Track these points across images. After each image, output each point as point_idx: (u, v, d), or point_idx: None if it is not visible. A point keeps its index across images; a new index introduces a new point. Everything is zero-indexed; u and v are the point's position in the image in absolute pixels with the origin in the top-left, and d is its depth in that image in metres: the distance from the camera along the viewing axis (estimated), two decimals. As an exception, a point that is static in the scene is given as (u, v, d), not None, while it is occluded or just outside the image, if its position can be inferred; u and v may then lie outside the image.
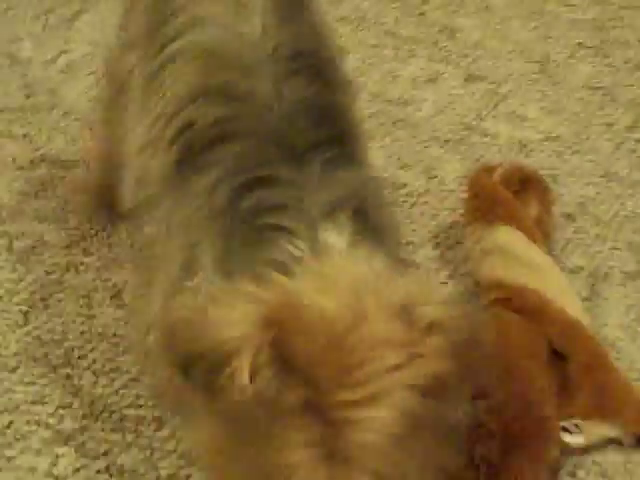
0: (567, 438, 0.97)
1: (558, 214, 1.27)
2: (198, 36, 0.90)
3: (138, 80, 0.97)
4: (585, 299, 1.16)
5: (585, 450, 1.00)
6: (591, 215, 1.30)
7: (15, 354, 1.07)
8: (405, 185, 1.32)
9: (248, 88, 0.84)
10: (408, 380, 0.64)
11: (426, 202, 1.30)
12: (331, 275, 0.70)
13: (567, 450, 0.98)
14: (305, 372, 0.64)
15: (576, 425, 0.99)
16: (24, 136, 1.36)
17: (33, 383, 1.04)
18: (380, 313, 0.66)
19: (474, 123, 1.46)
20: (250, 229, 0.78)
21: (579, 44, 1.63)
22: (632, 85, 1.54)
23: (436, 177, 1.34)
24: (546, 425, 0.96)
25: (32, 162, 1.31)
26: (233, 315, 0.65)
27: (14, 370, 1.05)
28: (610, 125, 1.46)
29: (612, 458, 1.00)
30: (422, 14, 1.70)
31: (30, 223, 1.22)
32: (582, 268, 1.21)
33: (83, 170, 1.26)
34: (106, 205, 1.19)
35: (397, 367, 0.64)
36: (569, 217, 1.29)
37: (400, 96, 1.50)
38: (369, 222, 0.79)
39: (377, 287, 0.68)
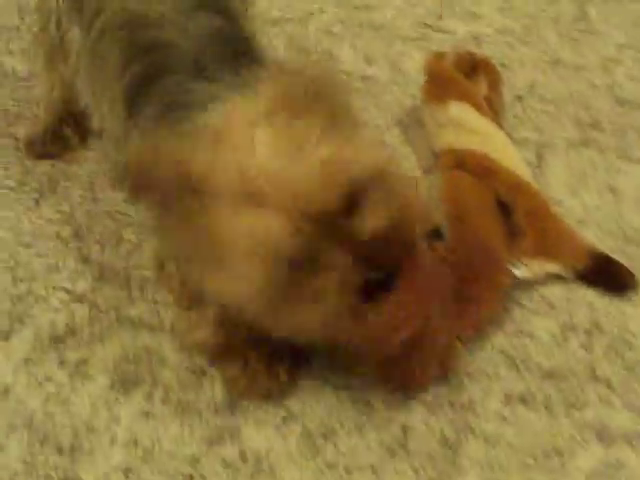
0: (516, 272, 1.13)
1: (509, 96, 1.41)
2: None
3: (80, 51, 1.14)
4: (532, 165, 1.31)
5: (531, 284, 1.15)
6: (538, 95, 1.44)
7: (29, 233, 1.21)
8: (372, 77, 1.46)
9: (169, 37, 1.01)
10: None
11: (391, 91, 1.44)
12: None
13: (516, 284, 1.14)
14: None
15: (523, 263, 1.14)
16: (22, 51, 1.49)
17: (47, 255, 1.18)
18: None
19: (433, 22, 1.59)
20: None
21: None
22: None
23: (400, 69, 1.48)
24: (498, 259, 1.11)
25: (31, 73, 1.44)
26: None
27: (29, 246, 1.20)
28: (556, 19, 1.60)
29: (555, 290, 1.16)
30: None
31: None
32: (529, 140, 1.35)
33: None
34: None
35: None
36: (519, 98, 1.43)
37: (366, 2, 1.63)
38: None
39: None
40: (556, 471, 0.99)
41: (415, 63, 1.49)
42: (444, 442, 1.01)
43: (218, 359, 1.02)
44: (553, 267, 1.15)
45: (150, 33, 1.02)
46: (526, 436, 1.02)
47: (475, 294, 1.08)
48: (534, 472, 0.99)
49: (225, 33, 1.03)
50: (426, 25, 1.58)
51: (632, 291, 1.15)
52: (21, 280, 1.16)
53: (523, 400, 1.05)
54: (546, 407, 1.04)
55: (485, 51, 1.50)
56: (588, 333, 1.12)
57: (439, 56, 1.35)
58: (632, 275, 1.16)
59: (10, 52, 1.49)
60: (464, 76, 1.32)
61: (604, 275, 1.16)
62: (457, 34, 1.56)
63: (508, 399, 1.05)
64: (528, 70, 1.48)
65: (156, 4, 1.03)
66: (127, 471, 0.97)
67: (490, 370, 1.08)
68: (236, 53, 1.01)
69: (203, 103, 0.94)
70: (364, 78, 1.46)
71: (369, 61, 1.50)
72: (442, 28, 1.58)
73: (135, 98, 1.02)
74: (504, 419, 1.03)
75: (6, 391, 1.04)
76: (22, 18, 1.55)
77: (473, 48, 1.51)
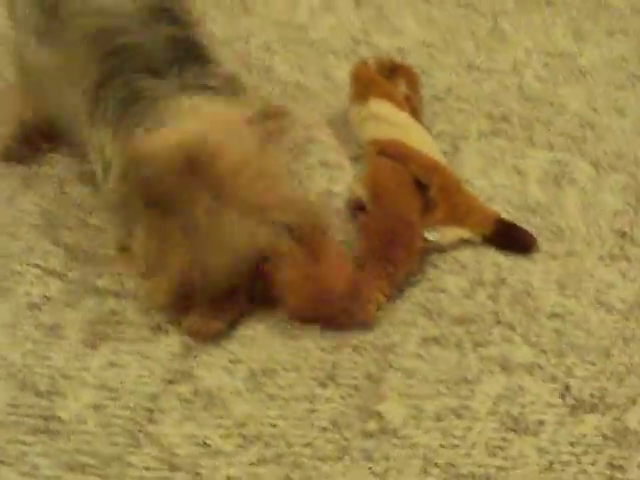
0: (430, 237, 1.31)
1: (428, 97, 1.60)
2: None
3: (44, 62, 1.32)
4: (448, 154, 1.50)
5: (445, 248, 1.33)
6: (455, 95, 1.63)
7: (6, 224, 1.38)
8: (306, 85, 1.65)
9: (127, 42, 1.22)
10: None
11: (324, 97, 1.63)
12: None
13: (431, 248, 1.32)
14: None
15: (437, 231, 1.32)
16: None
17: (22, 239, 1.35)
18: None
19: (362, 38, 1.79)
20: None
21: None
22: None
23: (331, 79, 1.67)
24: (413, 226, 1.30)
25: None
26: None
27: (6, 233, 1.36)
28: (473, 32, 1.80)
29: (466, 253, 1.34)
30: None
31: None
32: (445, 132, 1.55)
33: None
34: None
35: None
36: (437, 98, 1.63)
37: (302, 22, 1.83)
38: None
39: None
40: (466, 397, 1.16)
41: (345, 73, 1.68)
42: (368, 376, 1.18)
43: (175, 315, 1.19)
44: (463, 233, 1.34)
45: (111, 41, 1.21)
46: (439, 370, 1.19)
47: (394, 256, 1.26)
48: (447, 398, 1.16)
49: (177, 39, 1.23)
50: (355, 41, 1.78)
51: (534, 251, 1.34)
52: None
53: (437, 341, 1.22)
54: (456, 346, 1.22)
55: (408, 61, 1.69)
56: (494, 286, 1.30)
57: (363, 62, 1.54)
58: (533, 238, 1.35)
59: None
60: (385, 78, 1.51)
61: (508, 238, 1.34)
62: (383, 48, 1.76)
63: (424, 341, 1.22)
64: (446, 75, 1.68)
65: (119, 17, 1.22)
66: (97, 408, 1.13)
67: (409, 319, 1.25)
68: (187, 55, 1.21)
69: (153, 98, 1.14)
70: (298, 86, 1.65)
71: (303, 72, 1.69)
72: (370, 42, 1.77)
73: (94, 99, 1.21)
74: (420, 357, 1.21)
75: (-11, 351, 1.21)
76: None
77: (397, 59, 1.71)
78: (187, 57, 1.22)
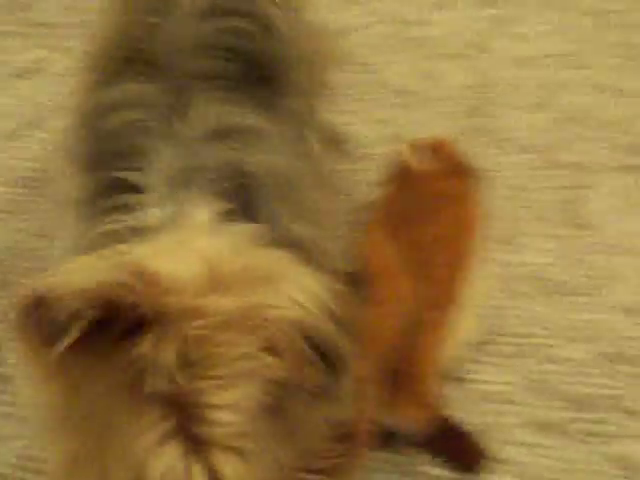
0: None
1: (550, 119, 1.39)
2: None
3: None
4: (568, 188, 1.28)
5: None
6: (581, 120, 1.41)
7: None
8: (413, 92, 1.45)
9: None
10: (260, 369, 0.64)
11: (433, 108, 1.43)
12: (185, 244, 0.70)
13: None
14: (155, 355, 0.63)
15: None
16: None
17: None
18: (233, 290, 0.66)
19: (480, 42, 1.57)
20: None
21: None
22: None
23: (440, 87, 1.47)
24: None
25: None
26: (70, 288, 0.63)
27: None
28: (607, 45, 1.57)
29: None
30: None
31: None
32: (569, 163, 1.33)
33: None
34: None
35: (248, 356, 0.64)
36: (559, 121, 1.41)
37: (412, 18, 1.62)
38: (252, 199, 0.79)
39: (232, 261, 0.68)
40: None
41: (457, 80, 1.47)
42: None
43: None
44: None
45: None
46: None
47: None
48: None
49: None
50: (472, 44, 1.56)
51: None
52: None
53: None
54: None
55: (533, 73, 1.48)
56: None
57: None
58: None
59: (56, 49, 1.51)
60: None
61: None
62: (503, 55, 1.54)
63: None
64: (572, 94, 1.46)
65: None
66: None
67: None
68: None
69: None
70: (404, 92, 1.45)
71: (411, 75, 1.48)
72: (488, 48, 1.56)
73: None
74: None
75: None
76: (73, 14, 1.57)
77: (518, 69, 1.50)
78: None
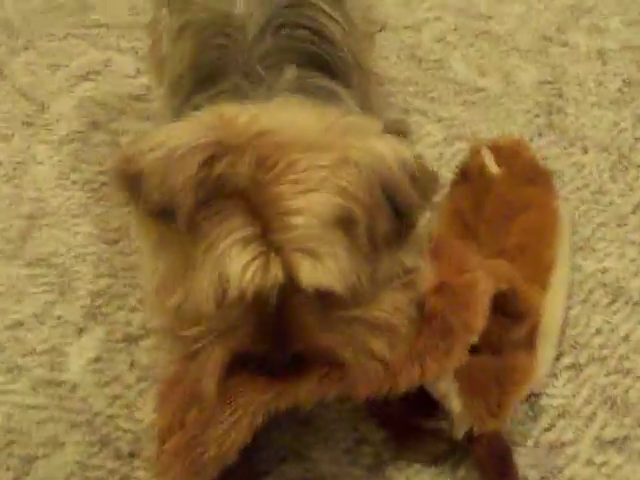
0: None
1: (628, 122, 1.33)
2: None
3: None
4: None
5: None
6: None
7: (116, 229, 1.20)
8: (483, 89, 1.40)
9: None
10: (337, 179, 0.72)
11: (504, 106, 1.37)
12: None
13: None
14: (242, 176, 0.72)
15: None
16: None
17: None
18: (312, 128, 0.75)
19: (554, 35, 1.51)
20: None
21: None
22: None
23: (512, 83, 1.41)
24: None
25: (138, 71, 1.43)
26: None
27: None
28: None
29: None
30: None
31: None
32: None
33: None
34: None
35: (324, 167, 0.72)
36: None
37: (485, 11, 1.56)
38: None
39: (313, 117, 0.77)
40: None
41: (531, 76, 1.42)
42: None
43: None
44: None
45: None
46: None
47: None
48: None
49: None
50: (546, 38, 1.50)
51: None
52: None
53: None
54: None
55: (609, 67, 1.42)
56: None
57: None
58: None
59: (120, 49, 1.49)
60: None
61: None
62: (579, 48, 1.48)
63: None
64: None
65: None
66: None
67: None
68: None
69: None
70: (475, 89, 1.39)
71: (481, 71, 1.43)
72: (564, 41, 1.49)
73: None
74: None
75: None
76: (137, 14, 1.54)
77: (596, 64, 1.44)
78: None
